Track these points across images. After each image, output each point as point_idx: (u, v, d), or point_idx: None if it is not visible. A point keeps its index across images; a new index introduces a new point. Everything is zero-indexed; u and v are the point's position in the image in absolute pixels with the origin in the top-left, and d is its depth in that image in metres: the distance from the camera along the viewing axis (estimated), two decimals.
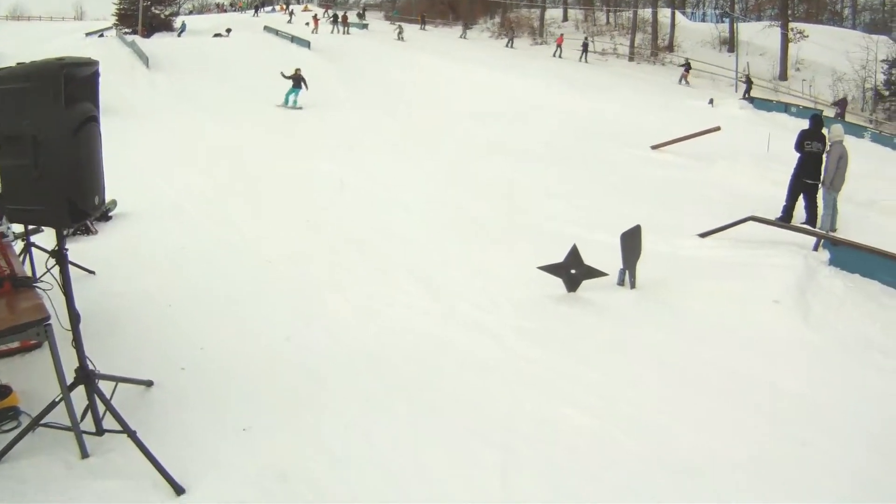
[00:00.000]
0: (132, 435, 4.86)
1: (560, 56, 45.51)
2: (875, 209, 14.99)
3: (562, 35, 47.41)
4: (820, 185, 13.25)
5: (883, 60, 39.20)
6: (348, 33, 46.12)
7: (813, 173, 13.19)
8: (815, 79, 40.43)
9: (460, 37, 50.99)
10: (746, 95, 36.23)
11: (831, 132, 13.28)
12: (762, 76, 42.18)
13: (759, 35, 44.67)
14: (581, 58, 44.90)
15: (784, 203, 13.46)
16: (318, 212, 12.11)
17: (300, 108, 25.76)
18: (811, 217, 13.27)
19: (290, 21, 49.51)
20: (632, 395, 6.72)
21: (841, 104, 37.54)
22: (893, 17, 57.92)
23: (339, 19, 47.70)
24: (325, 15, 51.20)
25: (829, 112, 35.57)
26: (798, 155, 13.43)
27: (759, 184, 16.06)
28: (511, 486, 5.20)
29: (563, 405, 6.42)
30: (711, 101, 31.41)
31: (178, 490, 4.73)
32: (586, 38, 46.60)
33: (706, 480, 5.55)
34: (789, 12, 46.62)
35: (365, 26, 49.79)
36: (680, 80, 41.50)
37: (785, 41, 43.06)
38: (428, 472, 5.28)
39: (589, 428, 6.10)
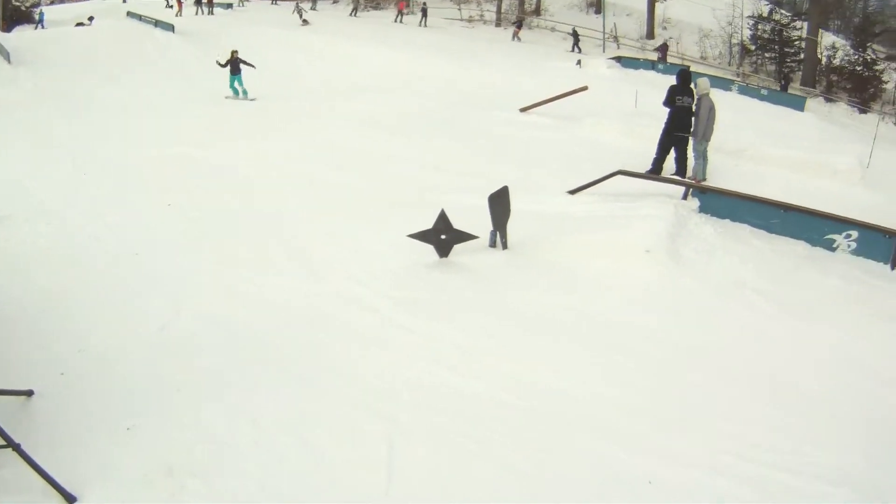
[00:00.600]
0: (17, 448, 4.75)
1: (401, 21, 45.51)
2: (743, 157, 15.62)
3: (403, 1, 47.19)
4: (691, 137, 13.55)
5: (749, 16, 40.47)
6: (212, 14, 44.84)
7: (684, 126, 13.57)
8: (682, 36, 41.63)
9: (311, 10, 50.21)
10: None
11: (698, 86, 13.69)
12: (630, 36, 43.17)
13: None
14: (420, 22, 44.89)
15: (654, 156, 13.76)
16: (191, 196, 11.69)
17: (253, 99, 23.06)
18: (681, 169, 13.68)
19: (171, 7, 47.25)
20: (512, 354, 6.86)
21: (662, 49, 39.55)
22: None
23: (204, 0, 46.32)
24: None
25: (653, 56, 36.92)
26: (668, 110, 13.66)
27: (628, 139, 16.46)
28: (398, 456, 5.28)
29: (443, 370, 6.51)
30: (579, 62, 31.92)
31: (70, 498, 4.67)
32: (424, 4, 46.59)
33: (601, 431, 5.77)
34: None
35: (230, 6, 48.43)
36: (513, 38, 42.75)
37: (651, 1, 43.93)
38: (315, 449, 5.31)
39: (472, 390, 6.22)
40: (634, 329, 7.59)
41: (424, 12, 45.77)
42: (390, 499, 4.90)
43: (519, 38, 42.28)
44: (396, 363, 6.59)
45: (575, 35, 40.67)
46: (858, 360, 7.64)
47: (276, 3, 50.12)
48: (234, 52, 23.62)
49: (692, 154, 13.78)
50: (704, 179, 13.37)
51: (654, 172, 13.41)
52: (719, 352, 7.33)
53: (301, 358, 6.65)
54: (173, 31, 33.89)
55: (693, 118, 13.63)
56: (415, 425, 5.66)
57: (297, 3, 44.11)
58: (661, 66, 31.90)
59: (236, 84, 23.33)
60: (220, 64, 23.67)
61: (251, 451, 5.24)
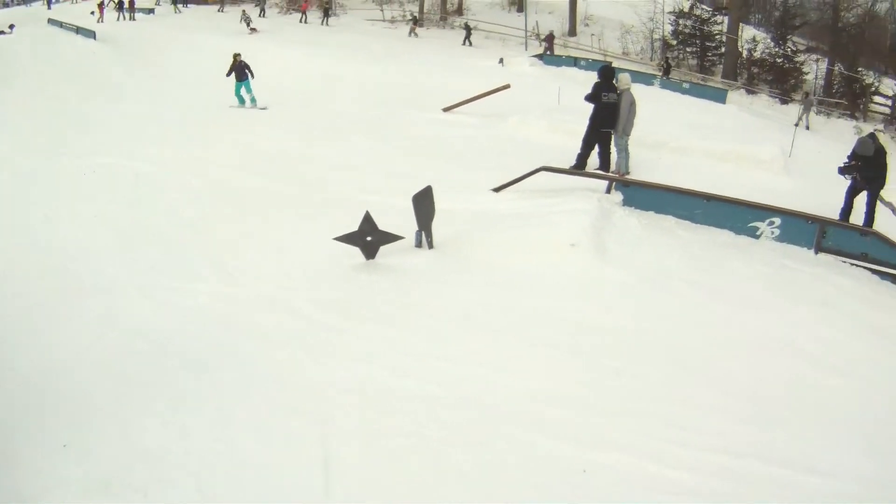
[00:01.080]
0: None
1: (305, 22, 45.64)
2: (666, 150, 15.91)
3: (306, 1, 47.06)
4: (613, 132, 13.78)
5: (670, 12, 41.17)
6: (133, 19, 44.13)
7: (608, 122, 13.76)
8: (604, 33, 42.21)
9: (218, 10, 49.65)
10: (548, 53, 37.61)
11: (619, 81, 13.97)
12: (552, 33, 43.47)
13: None
14: (322, 21, 44.89)
15: (578, 152, 13.95)
16: (115, 208, 11.49)
17: (263, 107, 21.82)
18: (605, 163, 13.96)
19: (93, 13, 46.11)
20: (442, 351, 6.98)
21: (548, 39, 40.40)
22: None
23: (126, 5, 45.48)
24: (112, 2, 48.39)
25: (575, 52, 37.55)
26: (592, 106, 13.84)
27: (552, 135, 16.69)
28: (335, 457, 5.34)
29: (374, 369, 6.59)
30: (501, 61, 32.16)
31: None
32: (328, 3, 46.59)
33: (535, 422, 5.91)
34: None
35: (151, 11, 47.65)
36: (409, 33, 43.36)
37: None
38: (250, 455, 5.34)
39: (405, 388, 6.32)
40: (563, 321, 7.75)
41: (326, 11, 45.73)
42: (330, 499, 4.96)
43: (416, 34, 42.72)
44: (327, 364, 6.65)
45: (467, 28, 41.08)
46: (788, 343, 7.96)
47: (222, 11, 49.31)
48: (236, 56, 22.09)
49: (614, 149, 13.98)
50: (628, 173, 13.65)
51: (579, 168, 13.62)
52: (649, 340, 7.55)
53: (229, 364, 6.65)
54: (94, 37, 33.26)
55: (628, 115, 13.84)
56: (349, 425, 5.72)
57: (243, 11, 43.30)
58: (582, 63, 32.25)
59: (243, 91, 21.90)
60: (227, 74, 22.05)
61: (184, 461, 5.23)
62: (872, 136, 13.26)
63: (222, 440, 5.49)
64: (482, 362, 6.78)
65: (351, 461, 5.29)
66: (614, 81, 14.10)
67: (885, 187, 13.01)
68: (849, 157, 12.85)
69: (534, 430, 5.80)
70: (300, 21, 45.77)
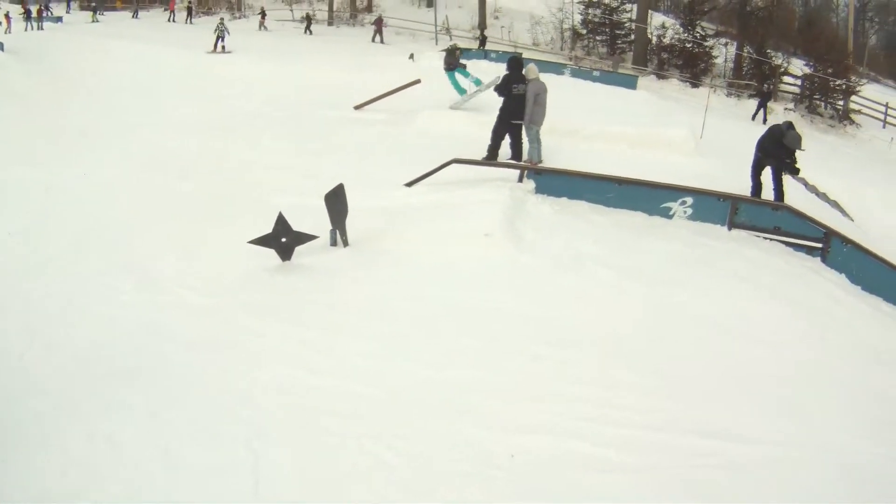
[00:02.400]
0: None
1: (173, 21, 45.16)
2: (578, 137, 16.00)
3: (173, 1, 46.58)
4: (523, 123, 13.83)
5: (579, 2, 41.56)
6: (41, 28, 42.95)
7: (519, 113, 13.75)
8: (514, 24, 42.31)
9: (132, 17, 48.65)
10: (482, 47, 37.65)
11: (527, 72, 13.92)
12: (462, 27, 43.64)
13: None
14: (186, 20, 44.42)
15: (489, 143, 13.93)
16: (29, 221, 11.15)
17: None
18: (517, 154, 13.99)
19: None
20: (363, 348, 7.01)
21: (377, 23, 41.01)
22: None
23: (33, 14, 44.26)
24: (22, 12, 46.91)
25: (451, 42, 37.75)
26: (502, 98, 13.84)
27: (464, 127, 16.62)
28: (263, 458, 5.37)
29: (297, 370, 6.62)
30: (412, 56, 32.05)
31: None
32: (190, 2, 46.14)
33: (460, 412, 6.02)
34: None
35: (59, 19, 46.48)
36: (259, 28, 43.07)
37: None
38: (179, 460, 5.35)
39: (329, 386, 6.35)
40: (481, 311, 7.83)
41: (190, 10, 45.23)
42: (259, 500, 4.98)
43: (310, 32, 42.77)
44: (249, 366, 6.64)
45: (378, 23, 41.00)
46: (707, 318, 8.23)
47: (136, 17, 48.14)
48: (455, 48, 21.20)
49: (526, 139, 14.02)
50: (541, 162, 13.66)
51: (491, 159, 13.60)
52: (567, 324, 7.68)
53: (151, 371, 6.61)
54: (2, 49, 32.21)
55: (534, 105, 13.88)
56: (275, 426, 5.75)
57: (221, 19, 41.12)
58: (493, 55, 32.36)
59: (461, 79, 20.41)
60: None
61: (116, 474, 5.21)
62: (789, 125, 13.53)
63: (152, 448, 5.47)
64: (404, 357, 6.84)
65: (279, 461, 5.32)
66: (523, 72, 14.14)
67: (799, 170, 13.26)
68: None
69: (460, 420, 5.89)
70: (168, 21, 45.04)
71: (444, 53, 22.10)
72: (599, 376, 6.65)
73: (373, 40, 39.97)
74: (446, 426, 5.80)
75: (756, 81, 37.57)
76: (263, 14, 44.60)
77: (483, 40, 40.05)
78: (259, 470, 5.21)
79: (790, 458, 6.03)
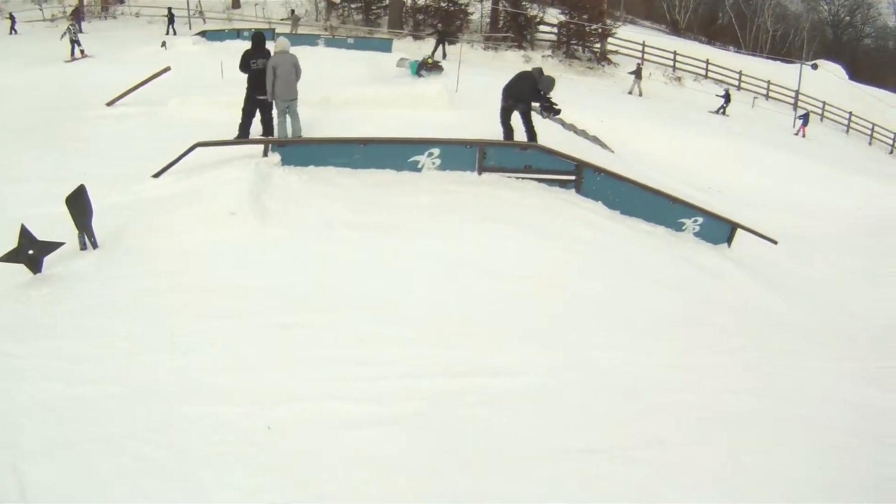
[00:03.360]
0: None
1: None
2: (332, 105, 15.97)
3: None
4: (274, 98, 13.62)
5: None
6: None
7: (261, 88, 13.54)
8: (268, 1, 41.66)
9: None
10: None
11: (277, 45, 13.67)
12: (216, 9, 42.68)
13: None
14: None
15: (240, 122, 13.72)
16: None
17: None
18: (268, 129, 13.79)
19: None
20: (118, 349, 6.74)
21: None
22: None
23: None
24: None
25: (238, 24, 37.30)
26: (246, 75, 13.60)
27: (216, 110, 16.21)
28: (27, 481, 5.04)
29: (56, 384, 6.21)
30: (164, 44, 31.07)
31: None
32: None
33: (213, 396, 5.97)
34: None
35: None
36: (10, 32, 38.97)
37: None
38: None
39: (84, 397, 6.04)
40: (228, 290, 7.72)
41: None
42: None
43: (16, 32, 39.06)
44: (8, 387, 6.18)
45: (170, 15, 39.30)
46: (465, 262, 8.57)
47: (14, 32, 42.70)
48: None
49: (277, 113, 13.83)
50: (300, 135, 13.48)
51: (242, 137, 13.37)
52: (316, 289, 7.69)
53: None
54: None
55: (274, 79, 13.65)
56: (39, 444, 5.41)
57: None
58: (245, 33, 31.73)
59: None
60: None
61: None
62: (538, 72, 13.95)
63: None
64: (157, 349, 6.64)
65: (46, 481, 5.04)
66: (274, 46, 13.90)
67: (560, 111, 13.71)
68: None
69: (214, 403, 5.84)
70: None
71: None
72: (352, 335, 6.72)
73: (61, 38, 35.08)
74: (202, 411, 5.72)
75: (513, 33, 38.70)
76: (13, 18, 41.81)
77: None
78: (25, 491, 4.93)
79: (548, 385, 6.28)
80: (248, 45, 14.23)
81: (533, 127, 13.38)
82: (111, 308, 7.61)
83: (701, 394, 7.13)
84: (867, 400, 8.33)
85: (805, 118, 36.23)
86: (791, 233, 17.54)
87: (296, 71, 13.62)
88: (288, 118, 13.85)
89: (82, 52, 30.30)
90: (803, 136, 35.71)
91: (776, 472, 6.19)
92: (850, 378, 8.89)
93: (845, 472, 6.45)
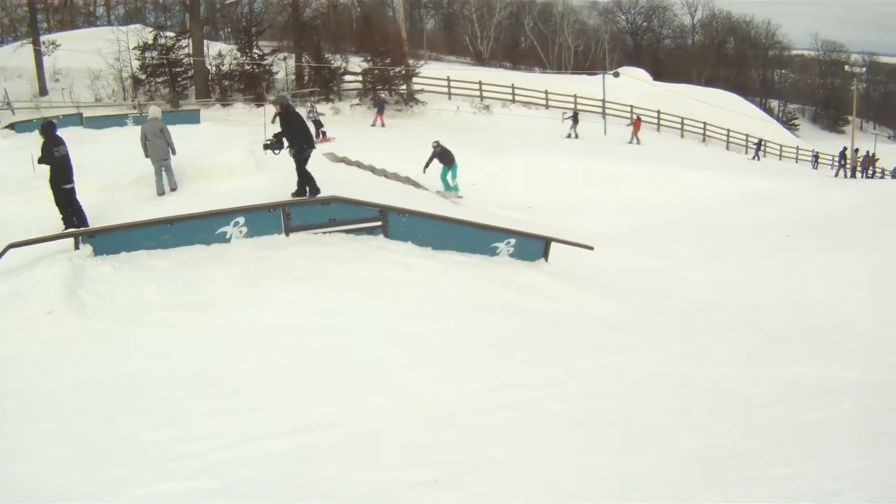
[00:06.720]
0: None
1: None
2: (139, 186, 15.98)
3: None
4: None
5: (135, 48, 40.83)
6: None
7: (65, 177, 13.57)
8: (74, 84, 40.80)
9: None
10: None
11: (150, 112, 16.64)
12: (24, 98, 41.41)
13: (14, 57, 43.51)
14: None
15: (61, 216, 13.61)
16: None
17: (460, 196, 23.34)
18: (80, 220, 13.64)
19: None
20: None
21: None
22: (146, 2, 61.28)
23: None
24: None
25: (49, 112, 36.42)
26: (49, 165, 13.48)
27: (30, 206, 15.37)
28: None
29: None
30: None
31: None
32: None
33: (139, 493, 5.75)
34: (41, 27, 46.28)
35: None
36: None
37: (39, 57, 42.60)
38: None
39: None
40: (42, 394, 7.55)
41: None
42: None
43: None
44: None
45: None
46: (276, 328, 9.09)
47: None
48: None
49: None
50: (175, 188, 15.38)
51: (70, 225, 13.37)
52: (128, 379, 7.74)
53: None
54: None
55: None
56: None
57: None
58: (56, 120, 31.11)
59: (448, 177, 23.35)
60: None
61: None
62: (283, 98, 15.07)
63: None
64: None
65: None
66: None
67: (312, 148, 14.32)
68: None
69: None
70: None
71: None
72: (178, 415, 6.82)
73: None
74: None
75: (319, 86, 39.33)
76: None
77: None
78: None
79: (373, 428, 6.58)
80: (59, 131, 14.20)
81: (304, 175, 14.03)
82: None
83: (522, 409, 7.23)
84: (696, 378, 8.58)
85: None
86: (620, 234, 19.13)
87: (164, 135, 15.64)
88: (164, 174, 15.71)
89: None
90: (637, 142, 39.07)
91: (610, 469, 6.04)
92: (678, 360, 9.21)
93: (680, 453, 6.30)
